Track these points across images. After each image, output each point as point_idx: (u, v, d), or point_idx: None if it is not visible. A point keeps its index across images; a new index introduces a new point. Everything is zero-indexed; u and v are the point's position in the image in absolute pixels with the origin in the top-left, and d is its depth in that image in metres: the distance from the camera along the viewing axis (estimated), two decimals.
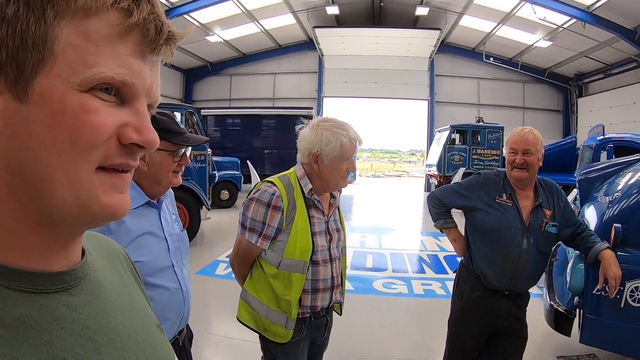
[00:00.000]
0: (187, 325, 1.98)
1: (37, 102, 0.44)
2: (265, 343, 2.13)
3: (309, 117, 2.49)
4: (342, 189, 2.24)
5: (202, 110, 15.20)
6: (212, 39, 19.68)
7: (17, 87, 0.44)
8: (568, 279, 2.87)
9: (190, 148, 1.87)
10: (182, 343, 1.90)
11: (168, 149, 1.74)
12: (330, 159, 2.00)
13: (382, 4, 19.58)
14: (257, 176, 11.73)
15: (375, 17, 21.07)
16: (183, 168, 1.84)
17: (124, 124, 0.49)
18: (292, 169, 2.14)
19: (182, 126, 1.86)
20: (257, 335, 2.16)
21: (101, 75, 0.46)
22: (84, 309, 0.53)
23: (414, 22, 20.34)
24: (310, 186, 2.06)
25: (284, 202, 1.99)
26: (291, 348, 2.08)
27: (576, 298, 2.87)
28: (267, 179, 2.11)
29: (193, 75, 24.14)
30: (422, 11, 18.18)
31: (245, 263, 2.16)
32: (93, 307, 0.54)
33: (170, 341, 1.73)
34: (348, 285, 5.80)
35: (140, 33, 0.48)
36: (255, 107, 17.54)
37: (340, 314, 2.35)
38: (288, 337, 2.05)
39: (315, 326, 2.16)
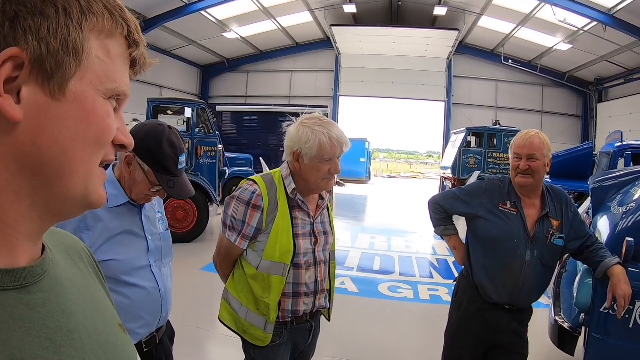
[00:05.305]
0: (169, 322, 2.00)
1: (72, 102, 0.50)
2: (245, 345, 2.07)
3: (296, 115, 2.40)
4: (334, 190, 2.16)
5: (217, 107, 15.22)
6: (228, 35, 19.75)
7: (51, 84, 0.48)
8: (575, 294, 2.73)
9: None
10: (161, 340, 1.91)
11: (151, 179, 1.74)
12: (310, 158, 1.92)
13: (400, 3, 19.44)
14: None
15: (393, 17, 20.91)
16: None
17: (118, 128, 0.57)
18: (278, 168, 2.08)
19: (184, 161, 1.82)
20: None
21: (121, 89, 0.55)
22: (43, 308, 0.51)
23: (432, 22, 20.15)
24: (293, 186, 1.98)
25: (264, 202, 1.93)
26: (270, 352, 2.01)
27: (582, 315, 2.73)
28: (250, 177, 2.06)
29: (209, 71, 24.27)
30: (440, 11, 18.00)
31: (226, 262, 2.11)
32: (53, 306, 0.53)
33: (146, 338, 1.75)
34: (353, 287, 5.76)
35: (134, 60, 0.58)
36: (271, 105, 17.49)
37: (329, 320, 2.26)
38: (267, 341, 1.97)
39: (297, 331, 2.08)
